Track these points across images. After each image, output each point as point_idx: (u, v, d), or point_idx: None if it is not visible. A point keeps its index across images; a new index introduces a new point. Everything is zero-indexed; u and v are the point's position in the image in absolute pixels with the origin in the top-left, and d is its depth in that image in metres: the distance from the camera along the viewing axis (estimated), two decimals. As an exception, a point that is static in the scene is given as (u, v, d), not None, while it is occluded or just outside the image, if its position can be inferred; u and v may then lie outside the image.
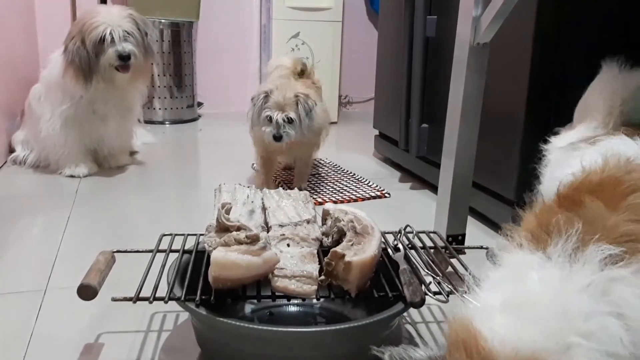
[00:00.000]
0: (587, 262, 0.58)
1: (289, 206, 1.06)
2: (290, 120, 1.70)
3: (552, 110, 1.45)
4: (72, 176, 2.01)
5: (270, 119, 1.70)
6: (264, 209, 1.06)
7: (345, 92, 3.44)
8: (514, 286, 0.60)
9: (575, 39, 1.41)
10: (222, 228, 0.90)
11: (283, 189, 1.13)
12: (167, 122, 2.94)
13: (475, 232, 1.55)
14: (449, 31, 1.64)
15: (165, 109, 2.93)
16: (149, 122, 2.82)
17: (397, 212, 1.77)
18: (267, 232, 0.98)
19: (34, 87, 2.10)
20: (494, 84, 1.43)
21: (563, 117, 1.44)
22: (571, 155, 0.92)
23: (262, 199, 1.09)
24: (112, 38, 1.91)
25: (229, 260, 0.84)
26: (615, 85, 0.99)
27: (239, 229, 0.89)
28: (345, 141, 2.80)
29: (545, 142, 1.02)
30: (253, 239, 0.86)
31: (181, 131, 2.86)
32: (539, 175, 1.00)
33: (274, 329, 0.86)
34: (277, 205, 1.06)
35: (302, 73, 1.98)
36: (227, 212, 0.92)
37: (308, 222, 1.02)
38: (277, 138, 1.71)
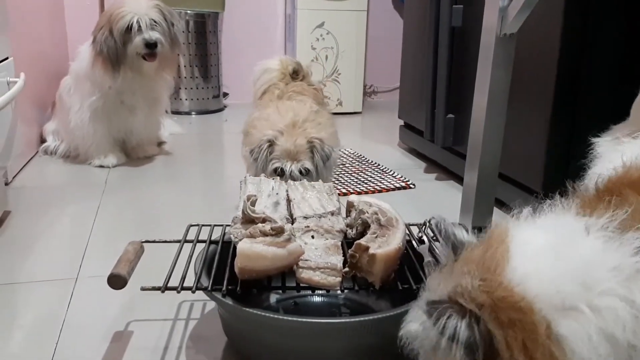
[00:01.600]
0: (622, 245, 0.60)
1: (314, 198, 1.07)
2: (306, 172, 1.41)
3: (580, 101, 1.42)
4: (101, 166, 2.05)
5: (280, 172, 1.41)
6: (288, 200, 1.06)
7: (370, 81, 3.43)
8: (556, 240, 0.63)
9: (604, 29, 1.38)
10: (248, 220, 0.92)
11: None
12: (193, 113, 2.97)
13: (500, 223, 1.54)
14: (475, 21, 1.62)
15: (192, 99, 2.96)
16: (175, 112, 2.85)
17: (422, 204, 1.77)
18: (292, 223, 0.99)
19: (64, 79, 2.14)
20: (521, 75, 1.41)
21: (591, 109, 1.42)
22: (614, 149, 0.91)
23: (287, 190, 1.10)
24: (139, 27, 1.94)
25: (254, 251, 0.85)
26: None
27: (264, 220, 0.90)
28: (369, 131, 2.79)
29: (595, 135, 1.01)
30: (278, 231, 0.87)
31: (207, 122, 2.88)
32: (587, 168, 0.99)
33: (299, 319, 0.87)
34: (301, 197, 1.07)
35: (295, 74, 1.73)
36: (253, 204, 0.93)
37: (332, 214, 1.02)
38: None
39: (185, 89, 2.93)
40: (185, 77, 2.91)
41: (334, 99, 3.00)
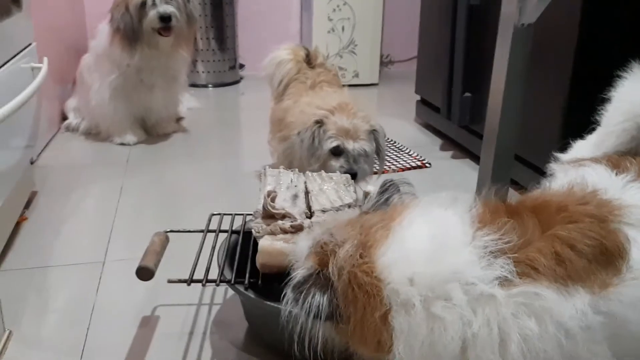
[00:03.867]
0: (490, 268, 0.61)
1: (331, 190, 1.09)
2: (364, 153, 1.31)
3: (597, 86, 1.42)
4: (122, 144, 2.09)
5: (339, 151, 1.30)
6: (306, 192, 1.09)
7: (386, 51, 3.40)
8: (439, 239, 0.64)
9: (623, 18, 1.36)
10: (268, 215, 0.95)
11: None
12: (210, 85, 2.98)
13: (515, 205, 1.56)
14: None
15: (208, 71, 2.97)
16: (192, 85, 2.87)
17: (438, 183, 1.79)
18: (310, 217, 1.02)
19: (84, 57, 2.16)
20: (539, 57, 1.41)
21: (609, 92, 1.42)
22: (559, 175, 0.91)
23: (305, 182, 1.12)
24: (154, 1, 1.95)
25: (275, 249, 0.89)
26: (626, 97, 0.92)
27: (284, 216, 0.94)
28: (386, 105, 2.79)
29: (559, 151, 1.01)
30: (297, 229, 0.90)
31: (224, 94, 2.90)
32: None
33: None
34: (319, 188, 1.10)
35: (309, 60, 1.63)
36: (273, 200, 0.96)
37: (349, 206, 1.05)
38: (352, 177, 1.20)
39: (202, 61, 2.94)
40: (201, 50, 2.92)
41: (350, 71, 2.99)
